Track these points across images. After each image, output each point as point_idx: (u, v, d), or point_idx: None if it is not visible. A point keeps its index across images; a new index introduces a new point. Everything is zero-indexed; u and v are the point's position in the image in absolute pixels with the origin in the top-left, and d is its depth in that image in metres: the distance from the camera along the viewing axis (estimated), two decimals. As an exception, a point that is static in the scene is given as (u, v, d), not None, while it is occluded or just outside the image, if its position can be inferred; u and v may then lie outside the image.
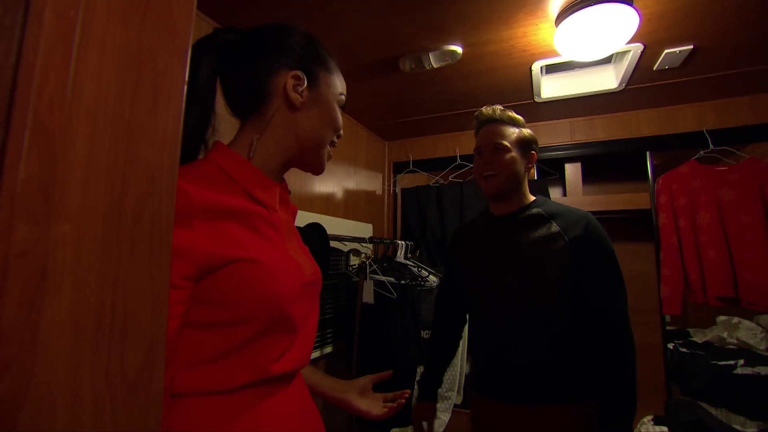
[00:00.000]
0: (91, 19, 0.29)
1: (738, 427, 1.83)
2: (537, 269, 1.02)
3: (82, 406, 0.27)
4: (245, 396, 0.56)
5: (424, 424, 1.19)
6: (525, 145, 1.11)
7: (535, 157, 1.14)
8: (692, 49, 1.49)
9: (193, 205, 0.51)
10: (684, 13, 1.29)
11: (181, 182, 0.52)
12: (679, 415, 1.88)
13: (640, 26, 1.31)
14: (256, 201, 0.61)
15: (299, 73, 0.63)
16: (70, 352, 0.26)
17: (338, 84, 0.69)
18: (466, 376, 2.02)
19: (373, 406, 0.83)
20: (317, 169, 0.69)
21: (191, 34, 0.38)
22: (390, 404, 0.83)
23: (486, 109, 1.14)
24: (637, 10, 1.22)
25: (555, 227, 1.04)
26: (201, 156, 0.63)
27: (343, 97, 0.70)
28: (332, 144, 0.69)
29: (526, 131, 1.12)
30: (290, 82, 0.62)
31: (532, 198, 1.14)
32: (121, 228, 0.31)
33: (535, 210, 1.10)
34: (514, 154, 1.08)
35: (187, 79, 0.37)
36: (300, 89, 0.63)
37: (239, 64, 0.64)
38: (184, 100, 0.37)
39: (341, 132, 0.70)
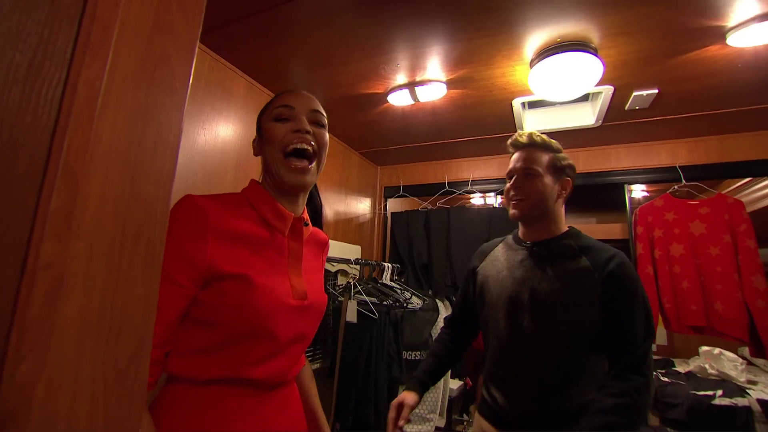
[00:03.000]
0: (111, 86, 0.38)
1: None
2: (555, 305, 0.98)
3: (81, 387, 0.35)
4: (216, 390, 0.65)
5: (404, 406, 1.07)
6: (558, 170, 1.08)
7: (571, 184, 1.11)
8: (657, 93, 1.62)
9: (209, 225, 0.67)
10: (645, 63, 1.42)
11: (203, 200, 0.68)
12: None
13: (605, 72, 1.44)
14: (268, 225, 0.75)
15: (256, 136, 0.85)
16: (76, 343, 0.34)
17: (272, 107, 0.80)
18: (455, 397, 2.05)
19: None
20: (284, 180, 0.77)
21: (188, 90, 0.47)
22: None
23: (520, 135, 1.13)
24: (600, 59, 1.34)
25: (585, 262, 1.00)
26: None
27: (280, 108, 0.78)
28: (294, 153, 0.76)
29: (561, 156, 1.10)
30: (252, 147, 0.86)
31: (566, 228, 1.10)
32: (123, 248, 0.39)
33: (566, 241, 1.06)
34: (546, 180, 1.06)
35: (182, 127, 0.46)
36: (254, 144, 0.84)
37: None
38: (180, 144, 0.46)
39: (294, 136, 0.76)
